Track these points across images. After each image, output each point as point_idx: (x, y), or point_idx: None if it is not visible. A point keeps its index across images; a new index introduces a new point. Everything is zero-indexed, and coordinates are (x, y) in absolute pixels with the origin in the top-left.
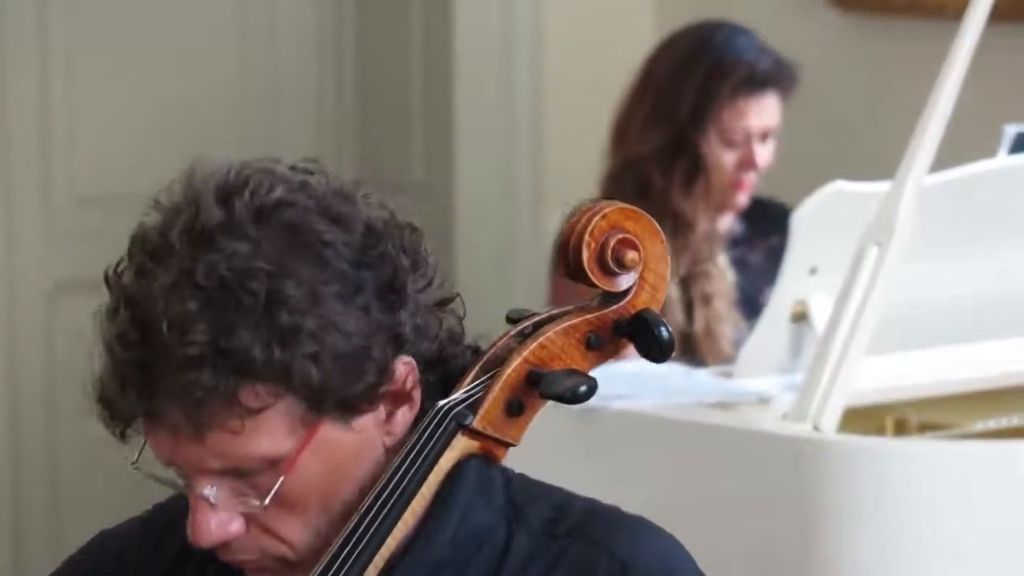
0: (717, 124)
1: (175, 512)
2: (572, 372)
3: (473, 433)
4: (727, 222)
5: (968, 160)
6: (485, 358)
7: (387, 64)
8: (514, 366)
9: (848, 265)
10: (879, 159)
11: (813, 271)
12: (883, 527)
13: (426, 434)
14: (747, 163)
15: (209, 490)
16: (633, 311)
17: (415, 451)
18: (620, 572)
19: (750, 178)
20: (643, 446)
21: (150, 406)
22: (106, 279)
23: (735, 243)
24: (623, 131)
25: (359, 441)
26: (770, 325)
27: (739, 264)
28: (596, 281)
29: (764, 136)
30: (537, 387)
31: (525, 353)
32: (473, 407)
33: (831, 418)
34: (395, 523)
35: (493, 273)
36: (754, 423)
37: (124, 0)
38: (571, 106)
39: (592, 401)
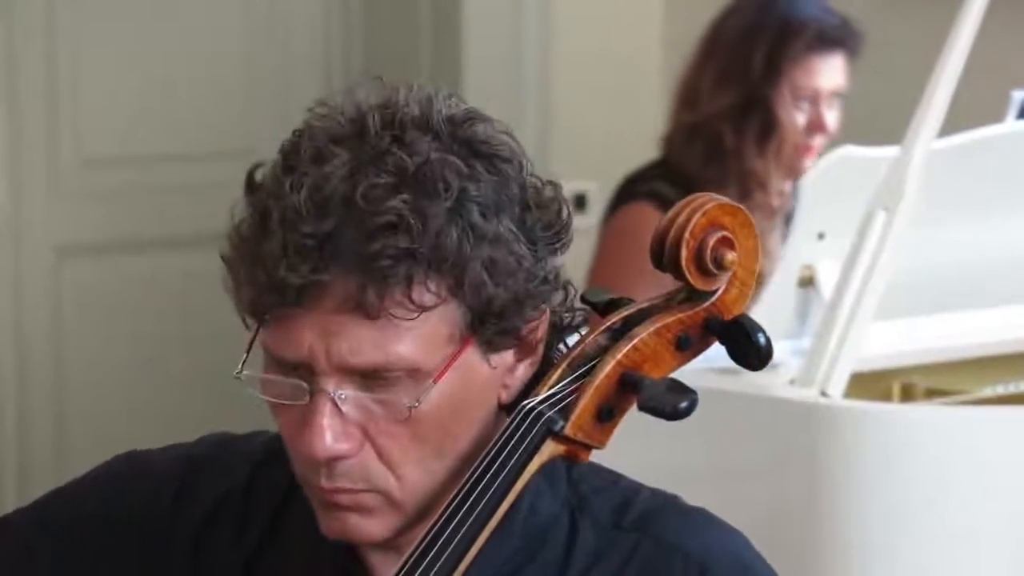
0: (789, 82)
1: (215, 460)
2: (671, 384)
3: (562, 439)
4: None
5: (976, 125)
6: (573, 355)
7: (396, 43)
8: (607, 370)
9: (856, 230)
10: (888, 123)
11: (821, 236)
12: (890, 492)
13: (515, 439)
14: (817, 126)
15: (341, 391)
16: (725, 311)
17: (503, 456)
18: (698, 573)
19: (818, 142)
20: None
21: (323, 277)
22: (250, 182)
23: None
24: (691, 93)
25: (488, 380)
26: (778, 290)
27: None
28: (692, 280)
29: (832, 98)
30: (631, 393)
31: (619, 356)
32: (564, 412)
33: (838, 383)
34: (481, 530)
35: None
36: (762, 388)
37: None
38: (579, 75)
39: None
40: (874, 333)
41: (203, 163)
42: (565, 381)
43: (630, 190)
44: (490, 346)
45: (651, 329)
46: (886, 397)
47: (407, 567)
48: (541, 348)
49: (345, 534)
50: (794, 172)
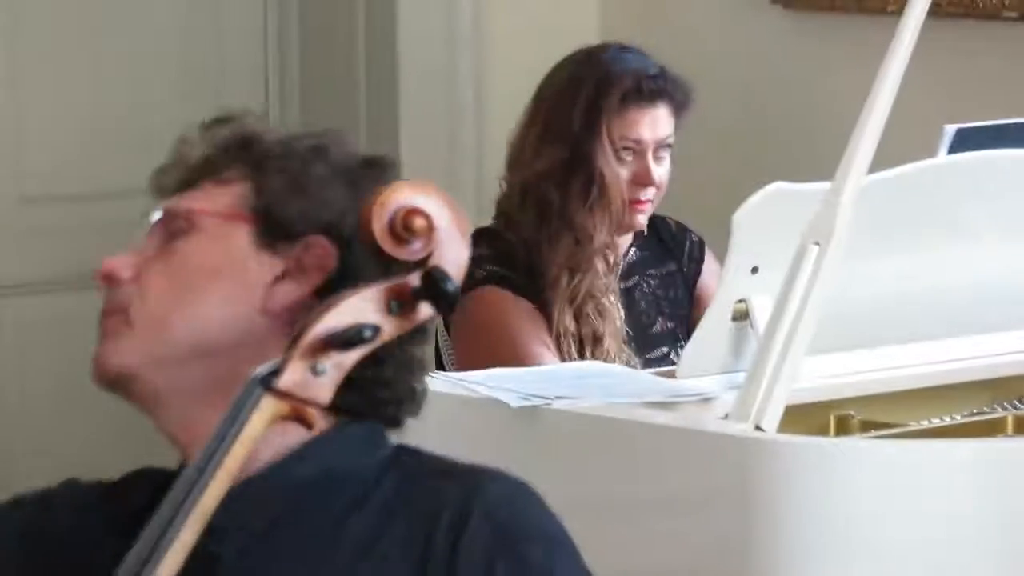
0: (609, 136)
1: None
2: (360, 323)
3: (280, 394)
4: (622, 249)
5: (909, 160)
6: (295, 330)
7: (332, 68)
8: (314, 329)
9: (789, 264)
10: (822, 157)
11: (754, 270)
12: (825, 526)
13: (238, 399)
14: (641, 178)
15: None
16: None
17: (228, 415)
18: (464, 498)
19: (648, 195)
20: (585, 446)
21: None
22: None
23: (628, 274)
24: (517, 153)
25: (251, 273)
26: (712, 325)
27: (632, 294)
28: (390, 251)
29: (658, 150)
30: (334, 346)
31: (324, 317)
32: (277, 371)
33: (773, 417)
34: (207, 483)
35: None
36: (696, 423)
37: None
38: (514, 107)
39: (534, 401)
40: (809, 366)
41: (143, 199)
42: (285, 351)
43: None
44: (265, 241)
45: (357, 294)
46: (823, 430)
47: (155, 515)
48: (311, 280)
49: (95, 364)
50: (626, 227)
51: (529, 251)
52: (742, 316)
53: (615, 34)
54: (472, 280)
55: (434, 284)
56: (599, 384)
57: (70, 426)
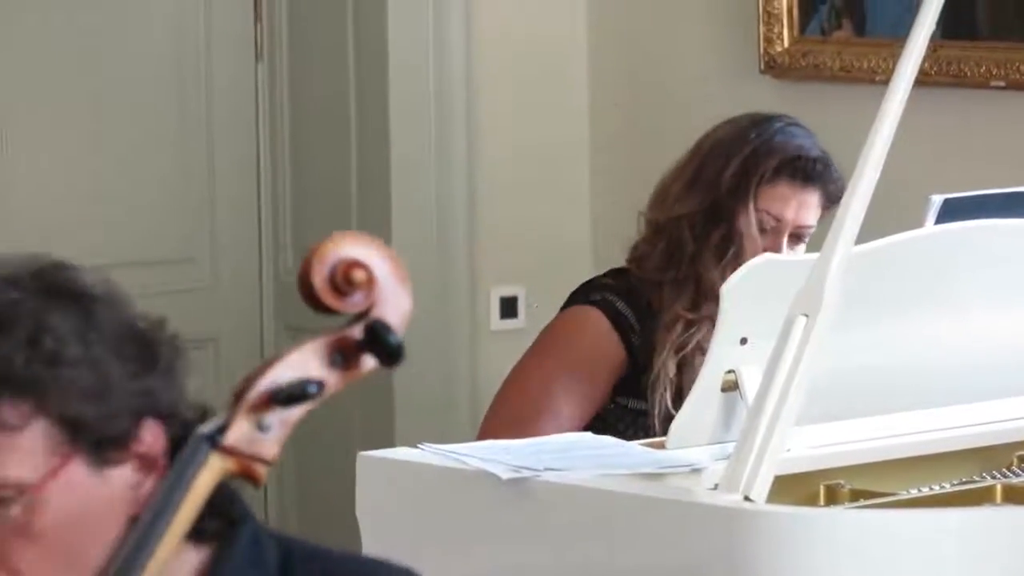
0: (755, 202)
1: None
2: (304, 378)
3: (226, 451)
4: None
5: (896, 230)
6: (237, 387)
7: (323, 133)
8: (257, 385)
9: (777, 335)
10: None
11: (743, 341)
12: None
13: (183, 459)
14: (772, 252)
15: None
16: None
17: (173, 472)
18: None
19: None
20: (575, 517)
21: None
22: None
23: None
24: (663, 193)
25: (109, 496)
26: (702, 396)
27: None
28: (331, 303)
29: (798, 233)
30: (278, 402)
31: (267, 372)
32: (223, 427)
33: (762, 488)
34: (159, 541)
35: (430, 337)
36: (685, 494)
37: (58, 72)
38: (505, 172)
39: (524, 473)
40: (798, 435)
41: (131, 270)
42: (229, 408)
43: (583, 293)
44: (97, 458)
45: (300, 349)
46: (812, 499)
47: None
48: (161, 463)
49: None
50: None
51: (652, 289)
52: (731, 387)
53: (605, 104)
54: (582, 297)
55: (377, 337)
56: (589, 456)
57: None
